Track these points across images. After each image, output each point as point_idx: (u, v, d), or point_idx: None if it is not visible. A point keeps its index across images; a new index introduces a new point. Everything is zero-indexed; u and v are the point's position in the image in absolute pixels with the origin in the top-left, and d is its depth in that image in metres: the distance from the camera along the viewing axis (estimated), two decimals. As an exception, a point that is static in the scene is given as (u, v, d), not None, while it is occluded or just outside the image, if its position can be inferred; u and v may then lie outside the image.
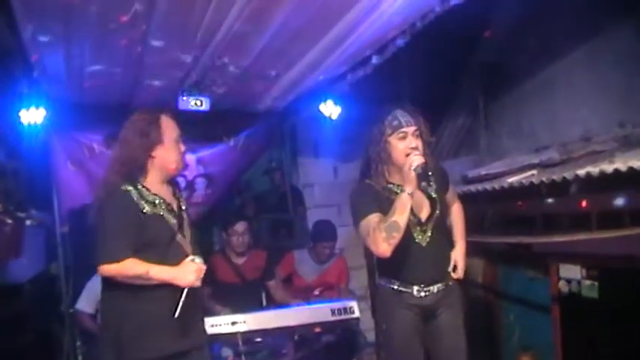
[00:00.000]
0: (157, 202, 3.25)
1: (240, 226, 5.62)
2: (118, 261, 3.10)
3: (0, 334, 5.31)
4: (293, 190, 7.36)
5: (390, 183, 3.55)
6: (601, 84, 4.84)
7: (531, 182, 4.45)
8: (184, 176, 6.06)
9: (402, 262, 3.48)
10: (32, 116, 5.06)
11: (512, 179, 4.79)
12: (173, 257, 3.18)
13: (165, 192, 3.34)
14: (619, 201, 3.79)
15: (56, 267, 5.97)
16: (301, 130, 7.22)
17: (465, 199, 4.75)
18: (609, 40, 4.74)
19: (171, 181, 3.44)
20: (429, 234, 3.55)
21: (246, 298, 5.40)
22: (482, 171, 5.53)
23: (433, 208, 3.58)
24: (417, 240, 3.52)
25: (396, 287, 3.59)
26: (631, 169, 3.51)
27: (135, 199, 3.19)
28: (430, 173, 3.55)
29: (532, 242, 4.63)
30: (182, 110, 5.15)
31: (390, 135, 3.46)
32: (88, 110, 5.55)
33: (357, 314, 4.93)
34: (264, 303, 5.77)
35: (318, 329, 4.83)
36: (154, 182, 3.30)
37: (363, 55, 4.82)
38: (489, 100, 6.46)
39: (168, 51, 4.40)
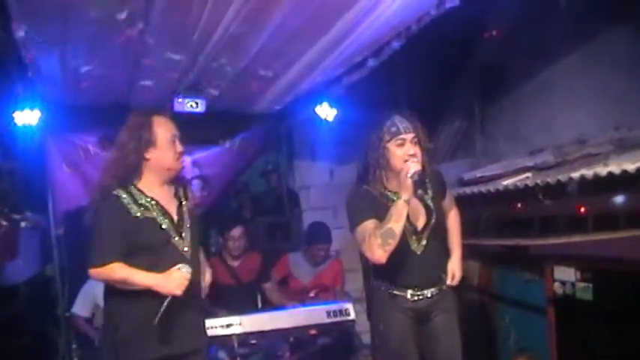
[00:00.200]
0: (150, 205, 3.24)
1: (236, 231, 5.63)
2: (104, 265, 3.12)
3: (-4, 336, 5.32)
4: (289, 192, 7.36)
5: (388, 189, 3.56)
6: (596, 87, 4.86)
7: (526, 185, 4.46)
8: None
9: (396, 268, 3.49)
10: (27, 118, 5.06)
11: (507, 182, 4.80)
12: (169, 260, 3.17)
13: (164, 194, 3.33)
14: (613, 204, 3.80)
15: (51, 269, 5.97)
16: (297, 132, 7.21)
17: (461, 201, 4.75)
18: (605, 43, 4.75)
19: (177, 181, 3.43)
20: (425, 242, 3.56)
21: (241, 300, 5.40)
22: (478, 173, 5.55)
23: (429, 216, 3.59)
24: (412, 248, 3.54)
25: (390, 291, 3.60)
26: (625, 172, 3.52)
27: (125, 203, 3.19)
28: (427, 180, 3.56)
29: (527, 245, 4.63)
30: (178, 112, 5.14)
31: (389, 141, 3.46)
32: (83, 112, 5.54)
33: (352, 316, 4.93)
34: (260, 305, 5.77)
35: (313, 331, 4.84)
36: (150, 184, 3.29)
37: (359, 57, 4.82)
38: (485, 103, 6.48)
39: (164, 52, 4.40)
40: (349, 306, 4.97)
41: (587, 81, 4.96)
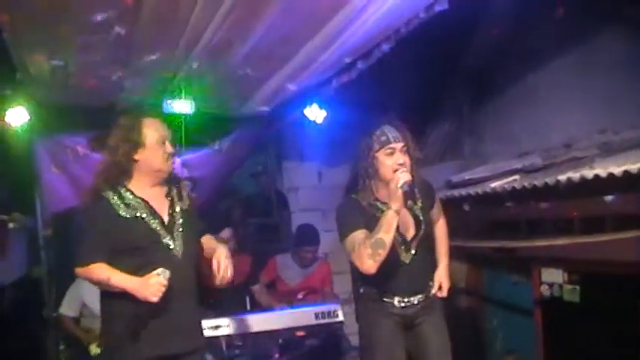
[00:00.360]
0: (139, 205, 3.25)
1: (225, 233, 5.61)
2: (87, 265, 3.17)
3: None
4: (278, 194, 7.36)
5: (377, 199, 3.56)
6: (583, 91, 4.89)
7: (514, 187, 4.49)
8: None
9: (384, 276, 3.47)
10: (15, 118, 5.04)
11: (495, 184, 4.83)
12: (157, 261, 3.15)
13: (155, 194, 3.33)
14: (600, 206, 3.83)
15: (39, 270, 5.95)
16: (286, 134, 7.21)
17: (450, 203, 4.78)
18: (592, 48, 4.78)
19: (171, 182, 3.42)
20: (413, 252, 3.57)
21: (230, 302, 5.39)
22: (467, 176, 5.57)
23: (418, 226, 3.60)
24: (401, 257, 3.54)
25: (377, 297, 3.61)
26: (611, 175, 3.56)
27: (114, 204, 3.21)
28: (416, 190, 3.58)
29: (515, 247, 4.65)
30: (167, 113, 5.14)
31: (378, 151, 3.46)
32: (71, 113, 5.51)
33: (340, 318, 4.94)
34: (249, 307, 5.76)
35: (302, 333, 4.84)
36: (141, 185, 3.30)
37: (348, 60, 4.83)
38: (474, 106, 6.50)
39: (152, 54, 4.40)
40: (337, 308, 4.98)
41: (574, 84, 4.99)
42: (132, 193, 3.27)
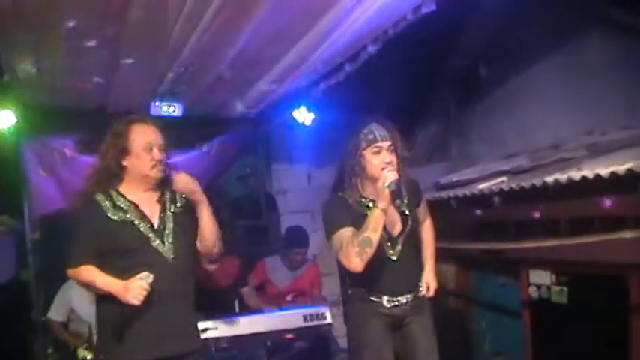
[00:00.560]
0: (129, 209, 3.27)
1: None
2: (76, 266, 3.22)
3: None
4: (266, 196, 7.36)
5: (363, 197, 3.56)
6: (570, 93, 4.91)
7: (501, 189, 4.50)
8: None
9: (372, 274, 3.48)
10: (3, 121, 5.02)
11: (482, 186, 4.84)
12: (150, 265, 3.16)
13: (147, 198, 3.35)
14: (587, 208, 3.85)
15: (27, 273, 5.92)
16: (275, 136, 7.21)
17: (437, 205, 4.79)
18: (579, 50, 4.80)
19: (164, 186, 3.42)
20: (400, 248, 3.57)
21: (218, 305, 5.37)
22: (454, 177, 5.58)
23: (405, 223, 3.60)
24: (387, 254, 3.54)
25: (366, 296, 3.61)
26: (598, 177, 3.57)
27: (103, 207, 3.25)
28: (403, 188, 3.58)
29: (503, 248, 4.67)
30: (155, 116, 5.12)
31: (365, 149, 3.47)
32: (59, 115, 5.49)
33: (329, 320, 4.94)
34: (237, 309, 5.75)
35: (290, 335, 4.83)
36: (132, 189, 3.33)
37: (335, 62, 4.84)
38: (461, 107, 6.52)
39: (139, 57, 4.39)
40: (326, 310, 4.97)
41: (561, 86, 5.01)
42: (123, 196, 3.31)
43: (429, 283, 3.74)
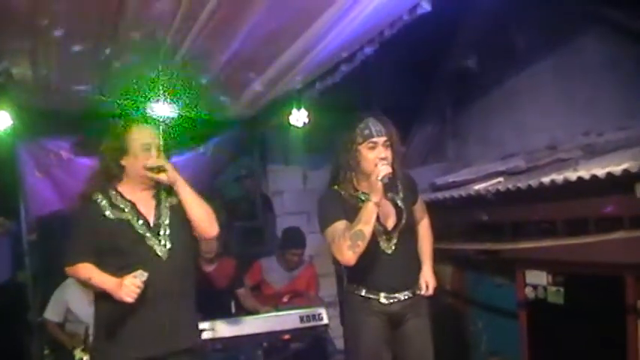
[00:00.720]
0: (126, 207, 3.32)
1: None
2: (74, 264, 3.27)
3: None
4: (262, 197, 7.35)
5: (358, 191, 3.57)
6: (567, 94, 4.92)
7: (498, 189, 4.50)
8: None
9: (369, 270, 3.50)
10: (-2, 122, 5.01)
11: (479, 186, 4.84)
12: (145, 263, 3.19)
13: (144, 197, 3.40)
14: (583, 208, 3.85)
15: (23, 275, 5.91)
16: (271, 137, 7.22)
17: (434, 206, 4.78)
18: (575, 51, 4.81)
19: (162, 184, 3.43)
20: (395, 241, 3.57)
21: (215, 306, 5.37)
22: (450, 178, 5.58)
23: (399, 216, 3.60)
24: (382, 248, 3.55)
25: (363, 294, 3.61)
26: (594, 177, 3.58)
27: (102, 206, 3.30)
28: (398, 182, 3.58)
29: (499, 249, 4.66)
30: (151, 117, 5.11)
31: (361, 144, 3.47)
32: (55, 117, 5.48)
33: (325, 321, 4.94)
34: (234, 311, 5.74)
35: (287, 336, 4.83)
36: (131, 188, 3.39)
37: (331, 63, 4.84)
38: (457, 108, 6.52)
39: (135, 60, 4.39)
40: (322, 311, 4.97)
41: (557, 87, 5.02)
42: (121, 195, 3.36)
43: (427, 281, 3.73)
